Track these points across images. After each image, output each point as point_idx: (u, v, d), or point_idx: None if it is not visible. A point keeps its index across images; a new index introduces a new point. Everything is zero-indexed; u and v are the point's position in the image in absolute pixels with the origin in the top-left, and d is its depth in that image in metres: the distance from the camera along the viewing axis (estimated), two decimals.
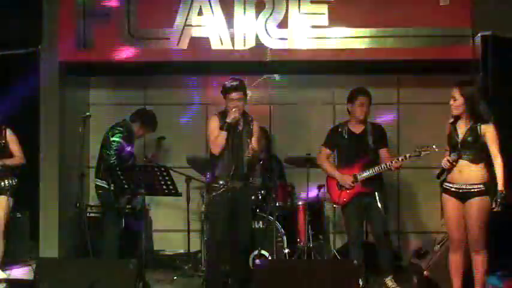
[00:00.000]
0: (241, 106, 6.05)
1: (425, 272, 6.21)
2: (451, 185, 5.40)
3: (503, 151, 5.28)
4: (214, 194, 6.04)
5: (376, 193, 6.20)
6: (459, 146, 5.35)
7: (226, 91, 6.07)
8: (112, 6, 7.22)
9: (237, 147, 6.04)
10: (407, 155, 6.03)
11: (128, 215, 7.02)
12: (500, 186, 5.20)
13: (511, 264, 6.20)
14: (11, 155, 6.40)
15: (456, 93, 5.36)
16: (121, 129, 6.81)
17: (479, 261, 5.37)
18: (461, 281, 5.44)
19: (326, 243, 7.49)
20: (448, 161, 5.33)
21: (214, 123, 6.10)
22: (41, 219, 7.17)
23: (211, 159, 6.15)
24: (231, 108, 6.01)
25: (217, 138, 6.01)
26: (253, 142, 6.11)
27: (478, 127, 5.30)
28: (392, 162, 6.10)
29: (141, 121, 7.04)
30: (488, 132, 5.29)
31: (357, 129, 6.37)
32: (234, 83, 6.06)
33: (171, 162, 7.30)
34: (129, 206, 6.97)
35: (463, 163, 5.32)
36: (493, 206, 5.19)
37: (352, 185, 6.22)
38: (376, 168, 6.17)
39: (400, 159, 6.08)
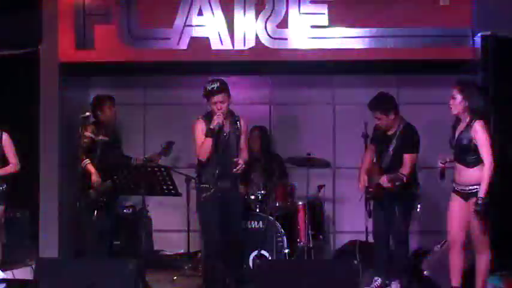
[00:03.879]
0: (226, 107, 5.93)
1: (425, 272, 6.21)
2: (455, 185, 5.40)
3: (503, 151, 5.27)
4: (204, 195, 6.02)
5: (396, 196, 6.06)
6: (453, 149, 5.39)
7: (207, 94, 5.94)
8: (112, 6, 7.22)
9: (225, 149, 6.00)
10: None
11: (101, 208, 6.72)
12: (481, 192, 5.14)
13: (511, 264, 6.20)
14: (4, 161, 6.26)
15: (455, 92, 5.37)
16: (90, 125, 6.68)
17: (482, 262, 5.36)
18: (461, 280, 5.44)
19: (326, 243, 7.50)
20: (441, 162, 5.39)
21: (199, 128, 6.03)
22: (41, 219, 7.15)
23: (199, 162, 6.11)
24: (215, 113, 5.92)
25: (203, 145, 5.95)
26: (242, 142, 6.11)
27: (470, 128, 5.27)
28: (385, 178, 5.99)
29: (97, 108, 6.78)
30: (478, 135, 5.23)
31: (391, 129, 6.19)
32: (215, 86, 5.88)
33: (170, 163, 7.29)
34: (102, 199, 6.68)
35: (460, 166, 5.33)
36: (475, 208, 5.14)
37: (362, 186, 6.18)
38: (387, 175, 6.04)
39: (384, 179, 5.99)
